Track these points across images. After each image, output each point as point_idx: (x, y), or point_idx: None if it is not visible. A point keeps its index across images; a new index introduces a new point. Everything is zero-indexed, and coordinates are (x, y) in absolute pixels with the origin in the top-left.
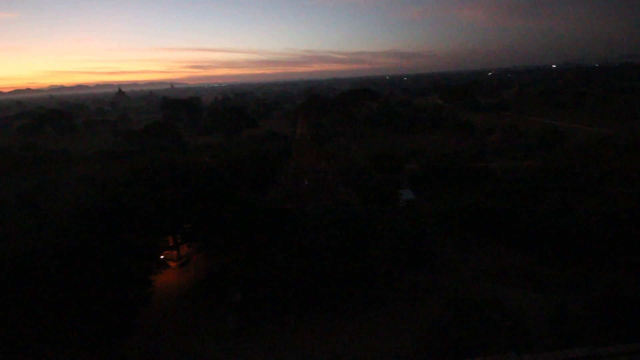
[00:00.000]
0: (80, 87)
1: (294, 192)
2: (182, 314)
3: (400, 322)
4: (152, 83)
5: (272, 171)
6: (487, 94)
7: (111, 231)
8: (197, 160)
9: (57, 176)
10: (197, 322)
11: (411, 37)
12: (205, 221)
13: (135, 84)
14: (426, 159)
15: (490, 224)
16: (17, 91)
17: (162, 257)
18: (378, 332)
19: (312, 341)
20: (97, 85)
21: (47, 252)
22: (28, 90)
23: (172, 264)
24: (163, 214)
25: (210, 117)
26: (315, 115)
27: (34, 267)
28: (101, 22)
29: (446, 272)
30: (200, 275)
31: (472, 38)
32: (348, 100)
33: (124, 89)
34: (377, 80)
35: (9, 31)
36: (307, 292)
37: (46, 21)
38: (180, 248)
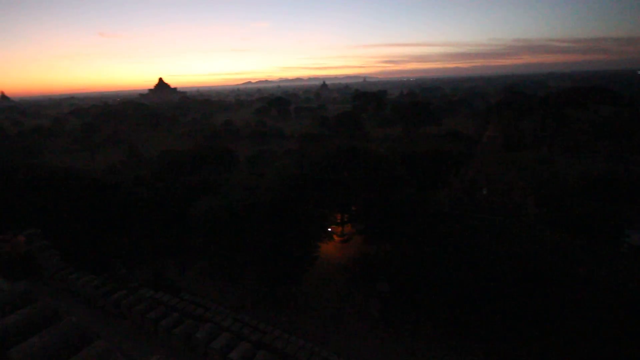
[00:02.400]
0: (297, 79)
1: (468, 200)
2: (335, 285)
3: None
4: (348, 77)
5: (447, 173)
6: None
7: (299, 198)
8: (375, 149)
9: (272, 148)
10: (345, 297)
11: None
12: (370, 207)
13: (335, 77)
14: None
15: None
16: (259, 82)
17: (329, 229)
18: None
19: None
20: (309, 79)
21: (258, 204)
22: (266, 81)
23: (336, 238)
24: (337, 192)
25: (393, 110)
26: (512, 117)
27: (249, 213)
28: (315, 24)
29: None
30: (356, 255)
31: None
32: (565, 100)
33: (328, 82)
34: (621, 76)
35: (261, 36)
36: (458, 309)
37: (284, 27)
38: (345, 226)
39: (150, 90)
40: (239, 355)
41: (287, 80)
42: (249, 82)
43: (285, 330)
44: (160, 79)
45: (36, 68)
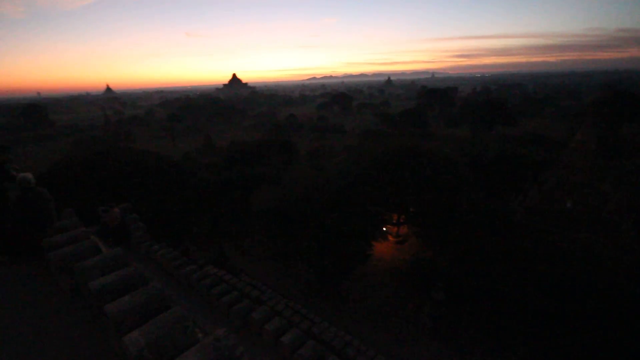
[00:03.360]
0: (362, 75)
1: (547, 213)
2: (386, 286)
3: None
4: (416, 72)
5: (522, 179)
6: None
7: (356, 194)
8: (439, 149)
9: (332, 143)
10: (395, 300)
11: None
12: (429, 209)
13: (402, 73)
14: None
15: None
16: (324, 77)
17: (384, 229)
18: None
19: None
20: (374, 74)
21: (315, 198)
22: (330, 77)
23: (391, 239)
24: (395, 191)
25: (462, 108)
26: (611, 119)
27: (306, 206)
28: (383, 19)
29: None
30: (411, 259)
31: None
32: None
33: (393, 78)
34: None
35: (329, 32)
36: (524, 329)
37: (351, 22)
38: (401, 227)
39: (224, 85)
40: (291, 340)
41: (351, 75)
42: (314, 78)
43: (332, 324)
44: (234, 75)
45: (133, 64)
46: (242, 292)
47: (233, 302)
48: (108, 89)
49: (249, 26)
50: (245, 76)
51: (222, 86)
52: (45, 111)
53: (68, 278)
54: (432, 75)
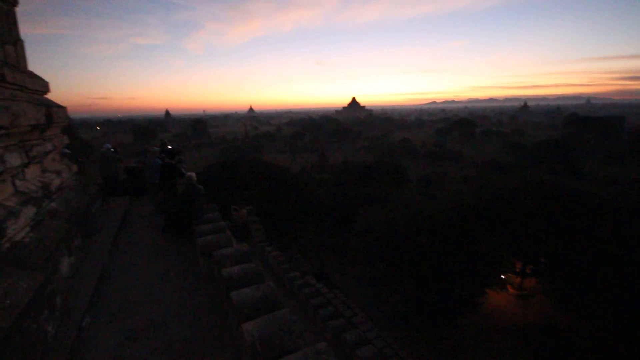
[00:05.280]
0: (491, 100)
1: None
2: (498, 348)
3: None
4: (562, 97)
5: None
6: None
7: (472, 231)
8: (592, 192)
9: (448, 171)
10: None
11: None
12: (571, 263)
13: (543, 98)
14: None
15: None
16: (445, 102)
17: (502, 276)
18: None
19: None
20: (506, 99)
21: (424, 227)
22: (452, 101)
23: (511, 290)
24: (522, 235)
25: (631, 143)
26: None
27: (413, 234)
28: (522, 39)
29: None
30: (538, 322)
31: None
32: None
33: (530, 103)
34: None
35: (454, 55)
36: None
37: (482, 44)
38: (526, 279)
39: (344, 107)
40: None
41: (477, 100)
42: (434, 102)
43: None
44: (354, 98)
45: (272, 88)
46: (336, 309)
47: (329, 317)
48: (250, 109)
49: (373, 51)
50: (364, 99)
51: (341, 108)
52: (206, 125)
53: (207, 262)
54: (587, 101)
